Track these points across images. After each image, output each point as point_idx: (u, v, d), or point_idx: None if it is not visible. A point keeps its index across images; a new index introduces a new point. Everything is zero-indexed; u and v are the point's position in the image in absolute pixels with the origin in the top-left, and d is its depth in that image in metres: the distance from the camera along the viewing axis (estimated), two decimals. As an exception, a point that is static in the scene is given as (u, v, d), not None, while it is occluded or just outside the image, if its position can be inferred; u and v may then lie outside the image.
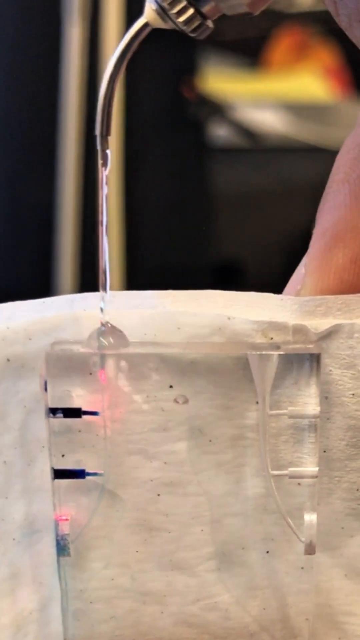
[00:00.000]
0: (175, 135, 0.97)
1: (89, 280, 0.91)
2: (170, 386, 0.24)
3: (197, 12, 0.23)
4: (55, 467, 0.25)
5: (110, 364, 0.24)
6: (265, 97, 1.15)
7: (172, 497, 0.25)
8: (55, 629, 0.26)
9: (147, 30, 0.24)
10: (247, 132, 1.07)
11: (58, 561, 0.25)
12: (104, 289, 0.24)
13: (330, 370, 0.24)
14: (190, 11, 0.23)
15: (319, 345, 0.24)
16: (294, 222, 0.84)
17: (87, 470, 0.25)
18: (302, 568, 0.25)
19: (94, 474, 0.25)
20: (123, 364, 0.24)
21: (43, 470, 0.25)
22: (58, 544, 0.25)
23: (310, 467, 0.25)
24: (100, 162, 0.24)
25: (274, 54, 1.28)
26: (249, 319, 0.24)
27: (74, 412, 0.24)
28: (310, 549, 0.25)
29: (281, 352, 0.24)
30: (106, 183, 0.24)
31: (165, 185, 0.97)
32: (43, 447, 0.25)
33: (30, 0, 0.94)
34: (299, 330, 0.24)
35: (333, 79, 1.25)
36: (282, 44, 1.27)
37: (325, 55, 1.26)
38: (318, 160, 0.74)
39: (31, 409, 0.25)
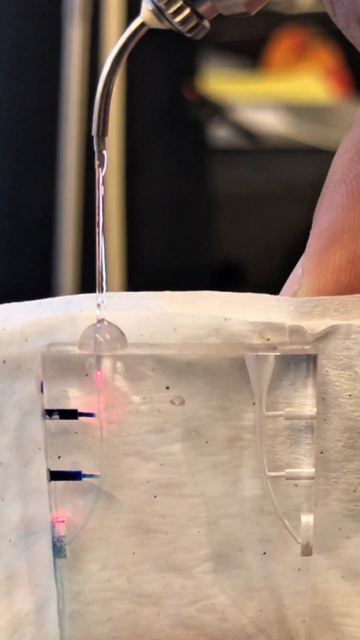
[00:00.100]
0: (175, 136, 0.97)
1: (89, 280, 0.91)
2: (167, 387, 0.24)
3: (194, 12, 0.23)
4: (52, 469, 0.25)
5: (106, 365, 0.24)
6: (265, 98, 1.16)
7: (168, 499, 0.25)
8: (52, 631, 0.26)
9: (144, 30, 0.24)
10: (247, 133, 1.07)
11: (54, 563, 0.25)
12: (101, 289, 0.24)
13: (327, 371, 0.24)
14: (187, 11, 0.23)
15: (315, 346, 0.24)
16: (293, 222, 0.84)
17: (84, 471, 0.25)
18: (299, 569, 0.25)
19: (91, 476, 0.25)
20: (119, 365, 0.24)
21: (39, 472, 0.25)
22: (54, 545, 0.25)
23: (307, 469, 0.25)
24: (97, 162, 0.24)
25: (274, 55, 1.28)
26: (246, 320, 0.24)
27: (70, 414, 0.24)
28: (307, 551, 0.25)
29: (278, 353, 0.24)
30: (102, 184, 0.24)
31: (166, 186, 0.97)
32: (39, 448, 0.25)
33: (31, 1, 0.94)
34: (295, 331, 0.24)
35: (333, 80, 1.25)
36: (283, 45, 1.28)
37: (325, 57, 1.26)
38: (318, 161, 0.74)
39: (27, 410, 0.25)
